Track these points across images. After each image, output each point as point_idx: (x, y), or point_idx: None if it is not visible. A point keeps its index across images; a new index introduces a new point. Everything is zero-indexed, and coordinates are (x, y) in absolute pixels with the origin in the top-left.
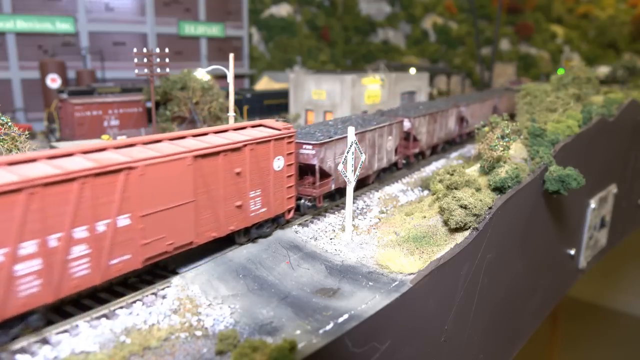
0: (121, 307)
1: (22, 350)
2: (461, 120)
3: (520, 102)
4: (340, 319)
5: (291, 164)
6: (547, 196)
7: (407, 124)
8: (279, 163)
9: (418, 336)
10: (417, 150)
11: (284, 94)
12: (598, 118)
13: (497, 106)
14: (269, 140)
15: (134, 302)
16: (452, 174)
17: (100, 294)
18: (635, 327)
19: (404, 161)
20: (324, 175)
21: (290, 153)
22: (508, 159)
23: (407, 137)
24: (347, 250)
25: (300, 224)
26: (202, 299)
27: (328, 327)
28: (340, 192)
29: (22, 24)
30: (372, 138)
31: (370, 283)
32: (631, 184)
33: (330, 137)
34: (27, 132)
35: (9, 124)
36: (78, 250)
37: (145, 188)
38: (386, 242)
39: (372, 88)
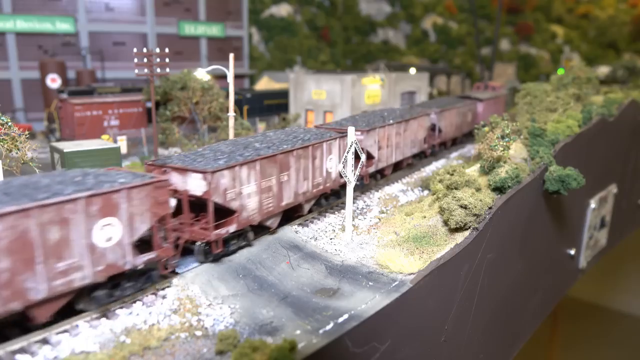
0: (121, 307)
1: (22, 350)
2: (357, 157)
3: (520, 102)
4: (340, 319)
5: None
6: (547, 196)
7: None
8: None
9: (418, 336)
10: (233, 228)
11: (284, 94)
12: (598, 118)
13: (437, 125)
14: None
15: (134, 302)
16: (452, 174)
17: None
18: (635, 327)
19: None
20: None
21: None
22: (508, 159)
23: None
24: (347, 250)
25: (300, 224)
26: (202, 299)
27: (328, 327)
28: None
29: (22, 24)
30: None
31: (370, 283)
32: (631, 184)
33: None
34: (27, 132)
35: (9, 124)
36: None
37: None
38: (386, 242)
39: (372, 88)
